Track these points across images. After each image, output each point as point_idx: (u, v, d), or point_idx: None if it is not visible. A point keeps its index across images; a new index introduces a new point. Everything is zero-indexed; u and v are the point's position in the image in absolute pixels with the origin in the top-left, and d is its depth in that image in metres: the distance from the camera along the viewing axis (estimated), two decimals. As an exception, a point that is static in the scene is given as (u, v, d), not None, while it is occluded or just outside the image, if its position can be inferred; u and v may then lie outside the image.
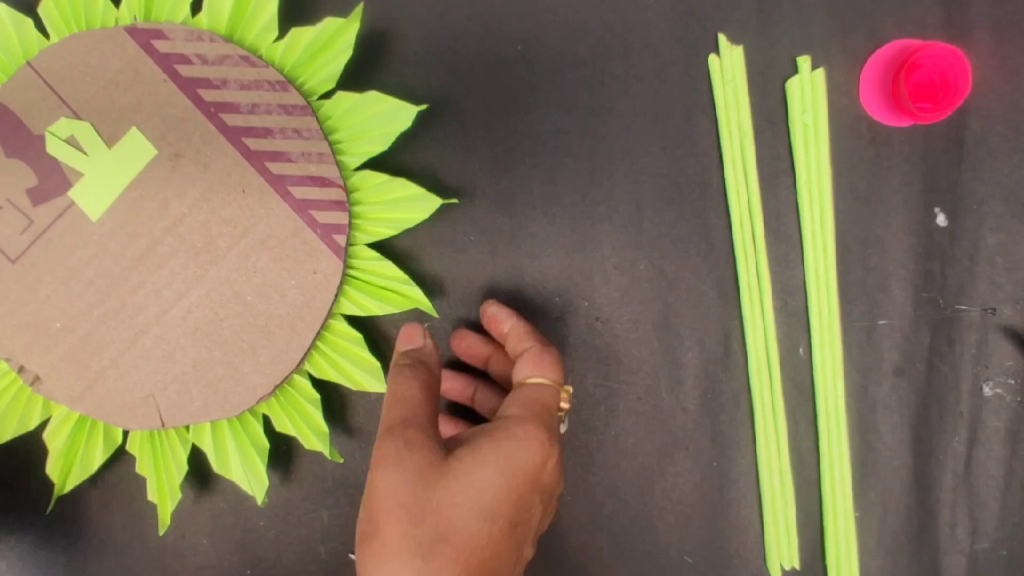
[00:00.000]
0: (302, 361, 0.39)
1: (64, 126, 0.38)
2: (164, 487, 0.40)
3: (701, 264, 0.41)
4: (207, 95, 0.38)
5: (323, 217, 0.38)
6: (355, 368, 0.39)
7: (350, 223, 0.38)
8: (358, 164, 0.39)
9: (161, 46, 0.38)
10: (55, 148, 0.38)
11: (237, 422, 0.40)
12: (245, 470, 0.39)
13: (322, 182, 0.38)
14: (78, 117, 0.38)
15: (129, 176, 0.38)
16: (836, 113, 0.41)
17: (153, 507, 0.40)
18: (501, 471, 0.30)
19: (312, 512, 0.42)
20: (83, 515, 0.42)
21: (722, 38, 0.40)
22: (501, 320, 0.38)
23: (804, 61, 0.39)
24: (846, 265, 0.41)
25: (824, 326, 0.41)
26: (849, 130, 0.41)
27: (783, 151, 0.41)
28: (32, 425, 0.39)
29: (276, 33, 0.38)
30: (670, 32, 0.40)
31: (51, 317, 0.39)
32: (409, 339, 0.35)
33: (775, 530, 0.41)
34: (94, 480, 0.42)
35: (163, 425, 0.39)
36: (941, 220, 0.40)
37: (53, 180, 0.38)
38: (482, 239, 0.41)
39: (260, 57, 0.38)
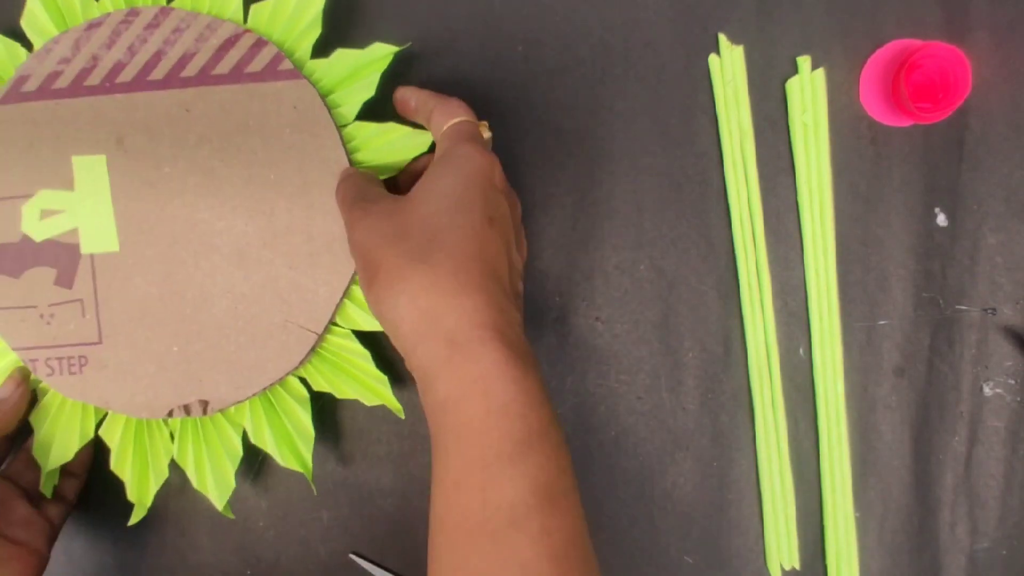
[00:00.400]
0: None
1: (31, 208, 0.38)
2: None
3: (701, 264, 0.41)
4: (90, 79, 0.38)
5: None
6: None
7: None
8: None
9: (28, 86, 0.38)
10: (40, 231, 0.38)
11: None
12: (214, 480, 0.39)
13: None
14: (27, 195, 0.38)
15: (106, 193, 0.38)
16: (836, 113, 0.41)
17: (153, 505, 0.40)
18: (458, 175, 0.33)
19: (311, 512, 0.42)
20: (82, 513, 0.42)
21: (722, 38, 0.40)
22: (408, 98, 0.38)
23: (804, 61, 0.39)
24: (846, 265, 0.41)
25: (824, 326, 0.41)
26: (849, 130, 0.41)
27: (783, 151, 0.41)
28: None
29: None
30: (670, 32, 0.40)
31: (154, 354, 0.39)
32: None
33: (775, 530, 0.41)
34: (91, 476, 0.42)
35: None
36: (941, 220, 0.41)
37: (62, 254, 0.38)
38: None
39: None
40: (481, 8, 0.41)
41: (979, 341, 0.41)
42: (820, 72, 0.40)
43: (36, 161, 0.38)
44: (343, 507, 0.42)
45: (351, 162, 0.38)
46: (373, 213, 0.33)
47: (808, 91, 0.40)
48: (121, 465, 0.39)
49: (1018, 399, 0.41)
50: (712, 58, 0.40)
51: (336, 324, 0.39)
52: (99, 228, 0.38)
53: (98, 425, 0.39)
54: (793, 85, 0.40)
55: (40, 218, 0.38)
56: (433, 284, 0.31)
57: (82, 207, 0.38)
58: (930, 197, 0.41)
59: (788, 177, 0.41)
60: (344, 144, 0.38)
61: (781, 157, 0.41)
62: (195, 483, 0.39)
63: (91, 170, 0.38)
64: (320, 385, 0.39)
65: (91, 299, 0.38)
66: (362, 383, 0.39)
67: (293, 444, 0.39)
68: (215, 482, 0.39)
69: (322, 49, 0.39)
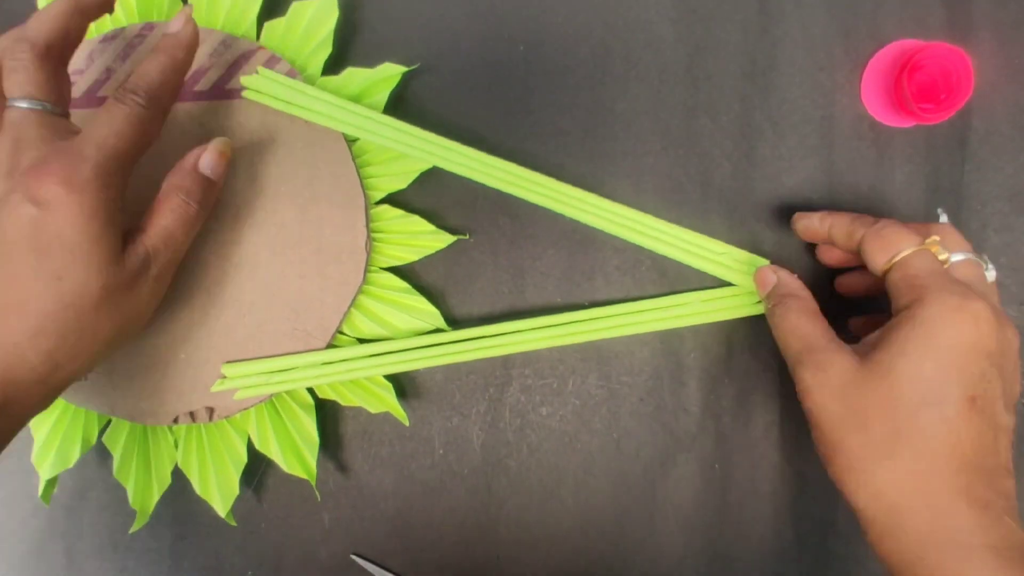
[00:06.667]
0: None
1: None
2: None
3: (703, 265, 0.41)
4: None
5: None
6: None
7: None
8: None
9: None
10: None
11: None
12: (218, 487, 0.39)
13: None
14: None
15: None
16: (838, 113, 0.40)
17: (155, 508, 0.40)
18: (928, 349, 0.29)
19: (313, 514, 0.42)
20: (83, 516, 0.42)
21: None
22: (814, 226, 0.36)
23: None
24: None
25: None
26: (851, 131, 0.40)
27: (784, 151, 0.41)
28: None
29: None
30: (671, 32, 0.41)
31: (161, 362, 0.39)
32: (763, 283, 0.36)
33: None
34: (93, 481, 0.42)
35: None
36: (944, 221, 0.40)
37: None
38: (483, 239, 0.41)
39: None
40: (482, 9, 0.41)
41: (984, 343, 0.41)
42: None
43: None
44: (344, 508, 0.42)
45: (360, 176, 0.39)
46: (825, 383, 0.31)
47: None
48: (124, 472, 0.39)
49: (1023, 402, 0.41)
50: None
51: (342, 333, 0.40)
52: None
53: (101, 432, 0.40)
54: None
55: None
56: (898, 483, 0.29)
57: None
58: (933, 198, 0.40)
59: (788, 177, 0.41)
60: (354, 159, 0.39)
61: (782, 158, 0.41)
62: (199, 490, 0.39)
63: None
64: (325, 393, 0.40)
65: None
66: (367, 390, 0.40)
67: (298, 451, 0.39)
68: (219, 489, 0.39)
69: (332, 66, 0.39)
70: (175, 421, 0.39)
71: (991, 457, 0.29)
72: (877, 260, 0.33)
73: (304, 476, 0.39)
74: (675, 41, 0.41)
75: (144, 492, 0.39)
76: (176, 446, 0.40)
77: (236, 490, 0.39)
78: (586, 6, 0.41)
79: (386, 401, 0.39)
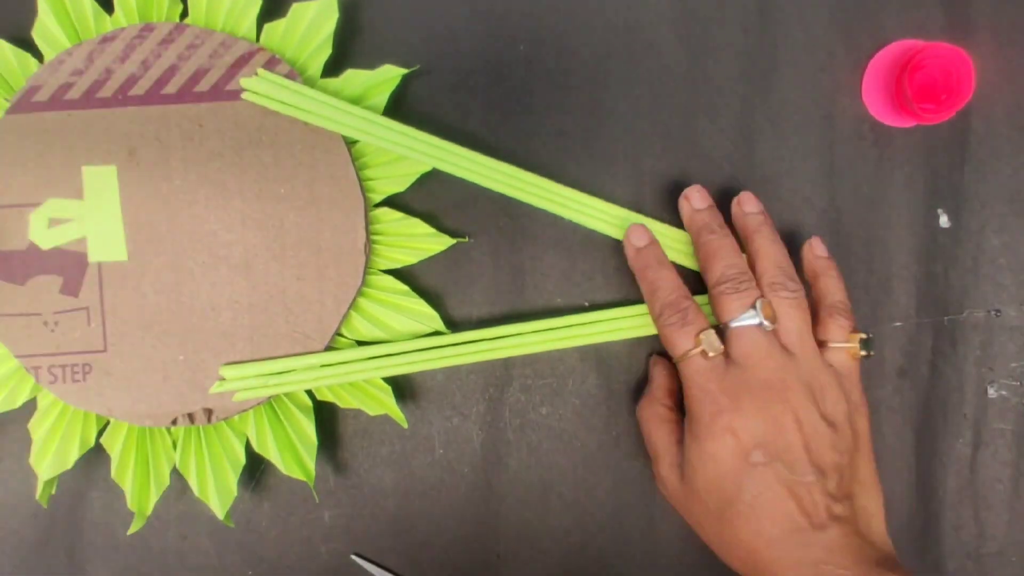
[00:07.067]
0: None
1: (39, 217, 0.38)
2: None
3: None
4: (103, 92, 0.38)
5: None
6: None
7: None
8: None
9: (39, 96, 0.38)
10: (47, 240, 0.38)
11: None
12: (216, 488, 0.39)
13: None
14: (35, 204, 0.39)
15: (115, 203, 0.39)
16: (839, 113, 0.40)
17: (155, 508, 0.40)
18: (699, 472, 0.35)
19: (313, 512, 0.42)
20: (84, 515, 0.42)
21: None
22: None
23: None
24: (849, 266, 0.41)
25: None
26: (852, 131, 0.40)
27: (784, 152, 0.41)
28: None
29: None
30: (671, 33, 0.40)
31: (160, 363, 0.39)
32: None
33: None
34: (93, 481, 0.42)
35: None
36: (944, 221, 0.40)
37: (69, 262, 0.39)
38: (483, 240, 0.41)
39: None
40: (482, 9, 0.41)
41: (983, 343, 0.41)
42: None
43: (45, 170, 0.38)
44: (345, 507, 0.42)
45: (360, 179, 0.39)
46: (668, 489, 0.37)
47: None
48: (122, 474, 0.39)
49: (1023, 401, 0.41)
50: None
51: (341, 335, 0.40)
52: (108, 237, 0.39)
53: (99, 433, 0.40)
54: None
55: (48, 227, 0.39)
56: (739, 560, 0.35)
57: (91, 216, 0.39)
58: (933, 198, 0.40)
59: (789, 178, 0.41)
60: (353, 161, 0.39)
61: (783, 159, 0.41)
62: (197, 491, 0.39)
63: (101, 180, 0.39)
64: (324, 395, 0.40)
65: (97, 307, 0.39)
66: (366, 393, 0.40)
67: (296, 453, 0.39)
68: (217, 490, 0.39)
69: (332, 67, 0.39)
70: (173, 423, 0.39)
71: (801, 520, 0.33)
72: (670, 350, 0.37)
73: (302, 478, 0.39)
74: (675, 42, 0.40)
75: (142, 493, 0.39)
76: (175, 447, 0.40)
77: (234, 492, 0.39)
78: (586, 6, 0.40)
79: (385, 404, 0.39)
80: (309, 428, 0.39)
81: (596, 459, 0.42)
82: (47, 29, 0.39)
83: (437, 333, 0.40)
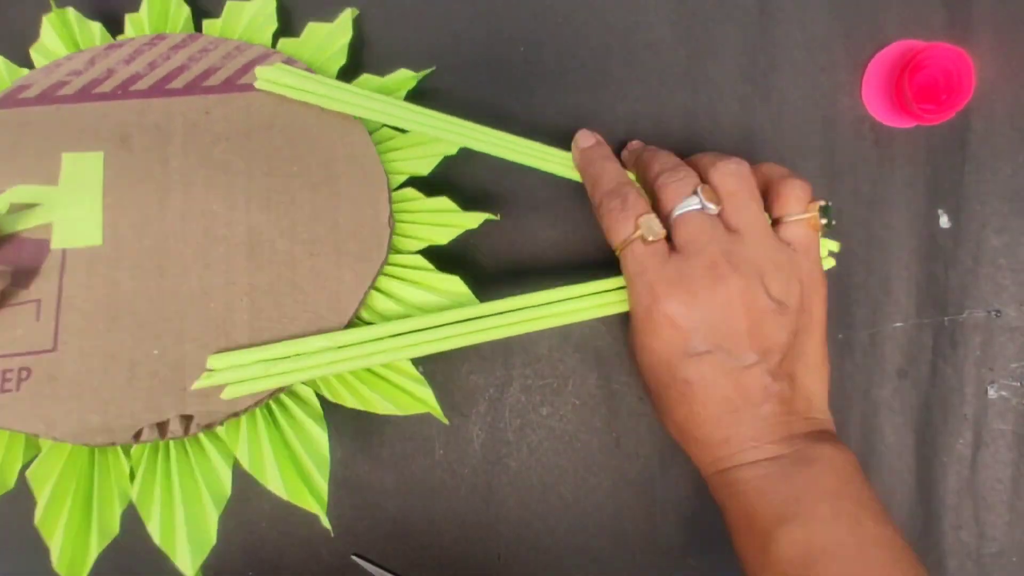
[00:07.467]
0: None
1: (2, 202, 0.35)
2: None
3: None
4: (101, 88, 0.37)
5: None
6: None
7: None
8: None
9: (28, 93, 0.36)
10: (8, 224, 0.34)
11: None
12: (188, 534, 0.32)
13: None
14: None
15: (97, 187, 0.35)
16: (839, 113, 0.40)
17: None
18: (642, 354, 0.34)
19: (313, 514, 0.42)
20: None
21: None
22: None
23: None
24: (848, 267, 0.41)
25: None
26: (852, 131, 0.40)
27: (785, 152, 0.41)
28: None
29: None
30: (671, 34, 0.40)
31: (127, 360, 0.33)
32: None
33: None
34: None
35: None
36: (944, 222, 0.40)
37: (25, 250, 0.34)
38: (483, 241, 0.41)
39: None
40: (483, 10, 0.41)
41: (983, 343, 0.41)
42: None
43: (19, 159, 0.35)
44: (345, 508, 0.42)
45: (382, 160, 0.37)
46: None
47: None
48: (50, 522, 0.31)
49: (1023, 401, 0.41)
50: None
51: (360, 319, 0.35)
52: (81, 222, 0.34)
53: (25, 467, 0.32)
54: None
55: (7, 212, 0.34)
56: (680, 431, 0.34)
57: (62, 201, 0.34)
58: (933, 199, 0.40)
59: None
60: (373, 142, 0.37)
61: (784, 160, 0.41)
62: (158, 538, 0.31)
63: (83, 166, 0.35)
64: (340, 396, 0.34)
65: (52, 299, 0.33)
66: (396, 386, 0.34)
67: (304, 473, 0.33)
68: (189, 535, 0.31)
69: (342, 77, 0.39)
70: (136, 437, 0.31)
71: (738, 401, 0.32)
72: (610, 239, 0.35)
73: (312, 507, 0.32)
74: (675, 42, 0.40)
75: (77, 550, 0.30)
76: (131, 478, 0.32)
77: (213, 539, 0.30)
78: (586, 7, 0.41)
79: (420, 399, 0.34)
80: (320, 438, 0.33)
81: (596, 460, 0.42)
82: (47, 49, 0.38)
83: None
